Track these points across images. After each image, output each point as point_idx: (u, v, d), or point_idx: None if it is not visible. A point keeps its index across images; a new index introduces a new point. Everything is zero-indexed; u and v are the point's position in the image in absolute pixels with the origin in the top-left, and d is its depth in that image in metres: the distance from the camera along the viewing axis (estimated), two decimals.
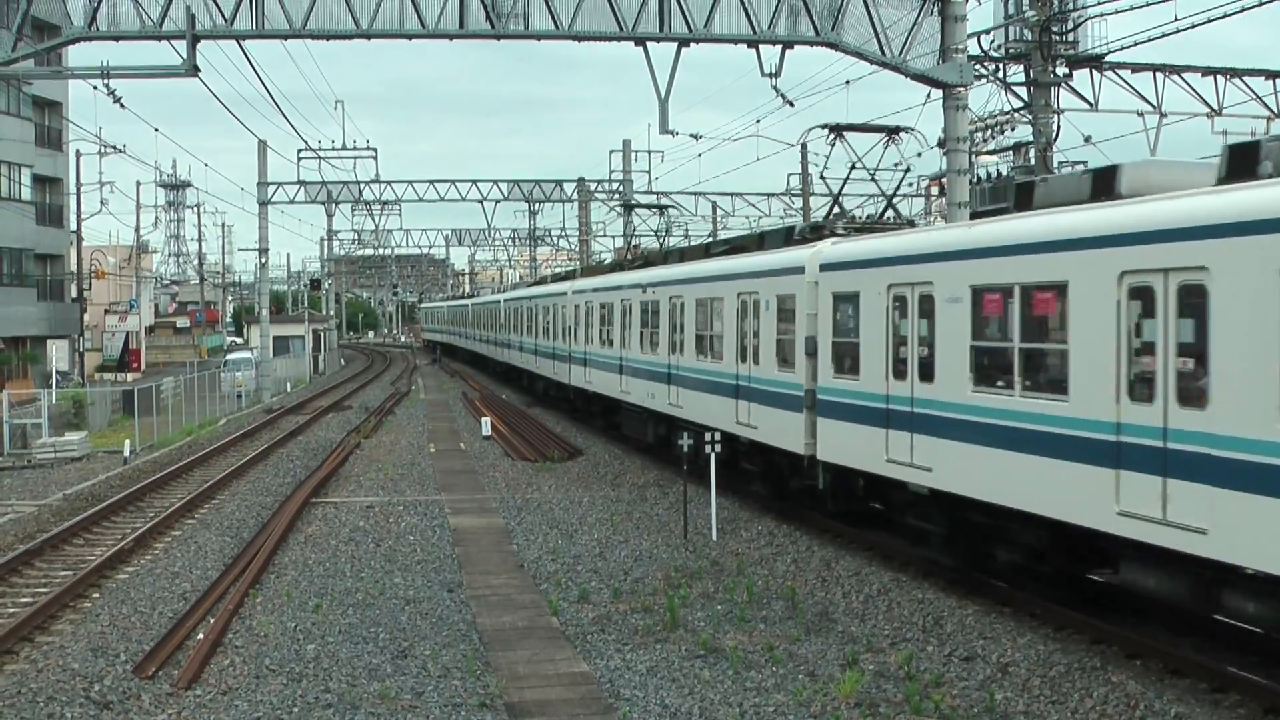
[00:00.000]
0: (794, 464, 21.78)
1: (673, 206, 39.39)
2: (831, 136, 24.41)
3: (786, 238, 23.95)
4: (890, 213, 24.57)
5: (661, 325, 28.98)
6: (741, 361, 23.73)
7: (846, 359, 19.73)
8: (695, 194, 69.52)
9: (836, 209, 25.47)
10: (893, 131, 24.91)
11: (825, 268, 20.47)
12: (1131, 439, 13.13)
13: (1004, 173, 42.65)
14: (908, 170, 26.47)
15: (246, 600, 17.60)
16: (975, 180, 38.67)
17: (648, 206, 44.14)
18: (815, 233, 23.01)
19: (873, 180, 24.63)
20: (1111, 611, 15.75)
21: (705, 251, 28.62)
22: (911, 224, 24.23)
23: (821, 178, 26.61)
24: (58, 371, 63.19)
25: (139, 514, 25.68)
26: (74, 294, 72.57)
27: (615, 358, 33.51)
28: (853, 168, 24.70)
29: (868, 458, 18.81)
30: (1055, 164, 35.57)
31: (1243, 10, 30.51)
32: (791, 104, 32.06)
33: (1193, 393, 12.44)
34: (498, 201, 69.62)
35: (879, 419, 18.37)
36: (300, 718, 12.69)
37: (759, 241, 25.68)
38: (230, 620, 16.41)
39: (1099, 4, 34.26)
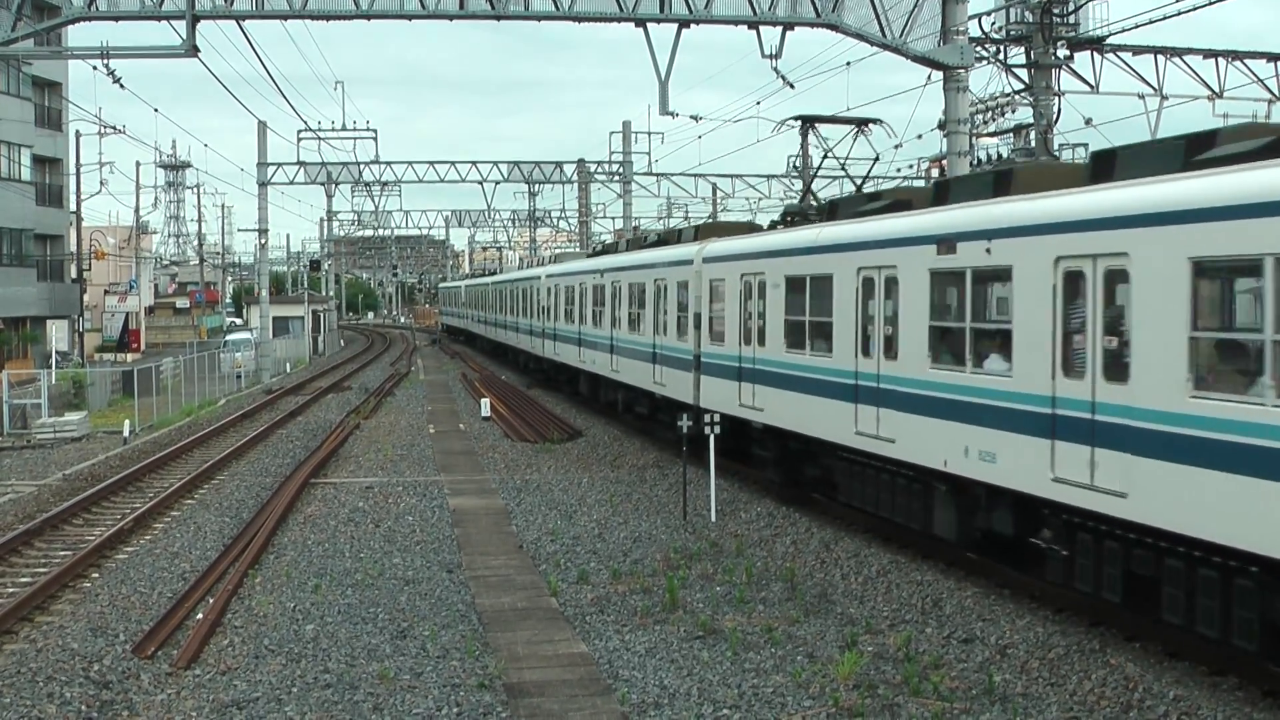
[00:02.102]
0: None
1: (877, 122, 25.22)
2: None
3: None
4: None
5: (1031, 319, 14.67)
6: None
7: None
8: (695, 175, 69.48)
9: None
10: None
11: None
12: None
13: (1005, 155, 42.65)
14: None
15: (246, 580, 17.62)
16: (975, 162, 38.64)
17: (841, 120, 26.47)
18: None
19: None
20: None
21: (1098, 168, 14.78)
22: None
23: None
24: (57, 352, 63.22)
25: (138, 494, 25.69)
26: (74, 274, 72.54)
27: (846, 374, 19.10)
28: None
29: None
30: (1056, 146, 35.52)
31: None
32: (792, 86, 32.02)
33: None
34: (497, 183, 69.55)
35: None
36: (299, 698, 12.71)
37: None
38: (229, 600, 16.42)
39: None
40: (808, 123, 26.79)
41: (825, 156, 26.15)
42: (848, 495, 20.10)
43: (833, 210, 22.15)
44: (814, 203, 25.13)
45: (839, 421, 19.33)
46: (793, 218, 24.67)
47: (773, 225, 25.85)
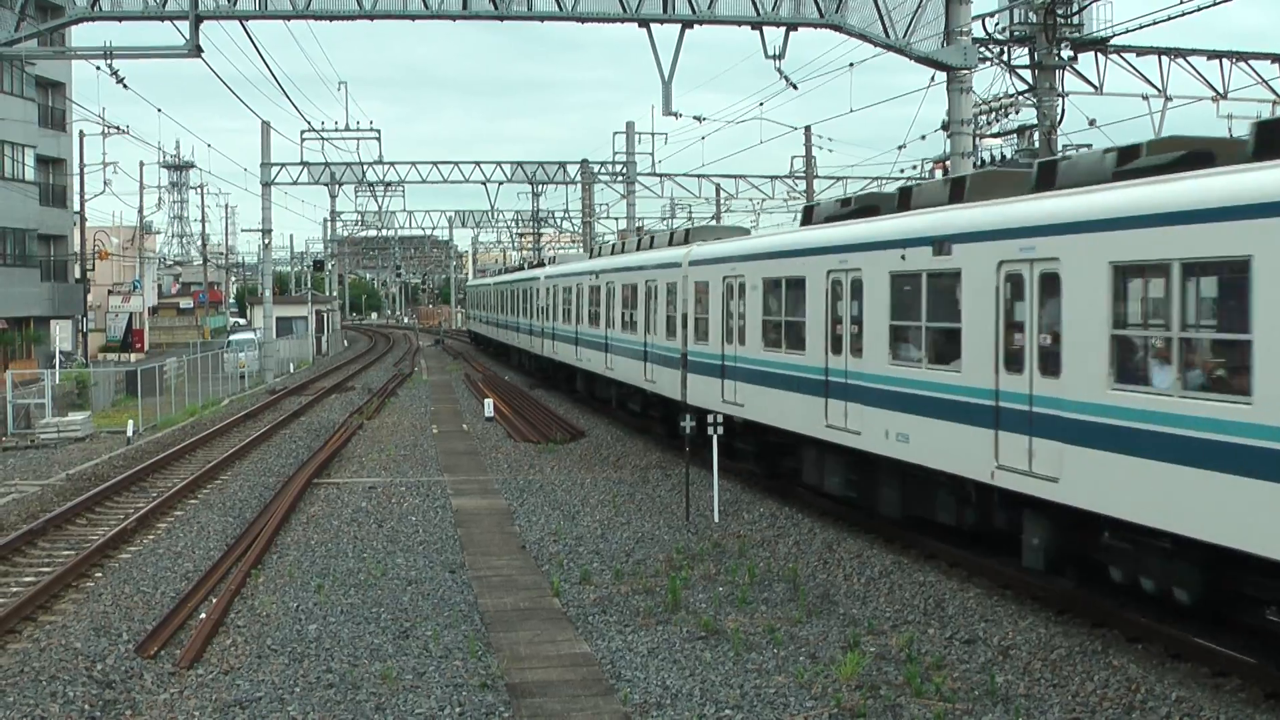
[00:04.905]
0: None
1: None
2: None
3: None
4: None
5: None
6: None
7: None
8: (699, 176, 69.39)
9: None
10: None
11: None
12: None
13: (1008, 156, 42.61)
14: None
15: (249, 580, 17.63)
16: (979, 163, 38.63)
17: None
18: None
19: None
20: (1113, 595, 15.74)
21: None
22: None
23: None
24: (61, 352, 63.19)
25: (142, 494, 25.71)
26: (77, 275, 72.58)
27: None
28: None
29: None
30: (1059, 147, 35.47)
31: None
32: (795, 86, 32.05)
33: None
34: (501, 183, 69.50)
35: None
36: (302, 698, 12.71)
37: None
38: (232, 600, 16.44)
39: None
40: None
41: None
42: None
43: None
44: None
45: None
46: None
47: None
